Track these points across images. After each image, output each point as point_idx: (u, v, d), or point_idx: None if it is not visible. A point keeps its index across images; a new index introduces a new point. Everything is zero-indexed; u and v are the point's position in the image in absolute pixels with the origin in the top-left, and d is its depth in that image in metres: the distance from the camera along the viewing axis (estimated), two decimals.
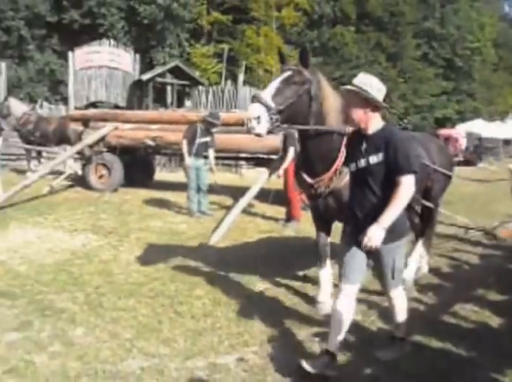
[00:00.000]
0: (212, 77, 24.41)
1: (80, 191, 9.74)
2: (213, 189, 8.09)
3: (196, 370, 3.01)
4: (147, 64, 21.69)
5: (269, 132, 3.27)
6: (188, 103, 18.61)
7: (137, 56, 18.65)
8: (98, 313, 3.79)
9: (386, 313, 3.46)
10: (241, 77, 18.85)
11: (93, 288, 4.29)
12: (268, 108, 3.14)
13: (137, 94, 18.24)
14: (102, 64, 18.03)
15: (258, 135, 3.22)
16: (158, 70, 18.79)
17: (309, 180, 3.65)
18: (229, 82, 19.56)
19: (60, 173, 10.24)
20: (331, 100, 3.51)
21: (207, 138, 7.75)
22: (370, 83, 2.86)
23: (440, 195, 4.91)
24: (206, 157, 7.81)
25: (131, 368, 3.02)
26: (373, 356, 3.16)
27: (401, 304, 3.13)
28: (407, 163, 2.80)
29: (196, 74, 19.84)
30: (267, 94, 3.22)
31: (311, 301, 4.10)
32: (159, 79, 18.24)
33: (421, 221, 4.86)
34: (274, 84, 3.29)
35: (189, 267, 4.98)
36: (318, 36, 30.14)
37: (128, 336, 3.43)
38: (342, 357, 3.12)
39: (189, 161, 7.64)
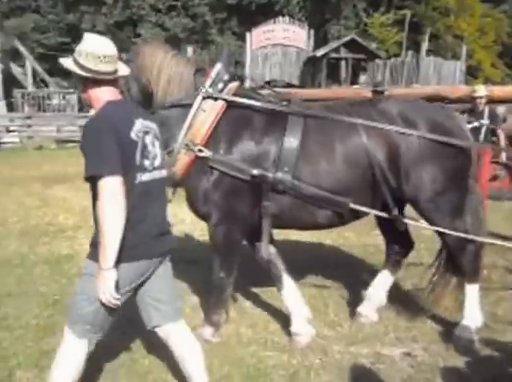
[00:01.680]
0: (391, 48, 23.01)
1: None
2: None
3: (360, 357, 3.03)
4: (321, 40, 21.65)
5: None
6: (363, 78, 18.04)
7: (312, 31, 18.65)
8: (269, 288, 4.02)
9: None
10: (424, 46, 17.52)
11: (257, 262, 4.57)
12: None
13: (311, 71, 18.35)
14: (277, 43, 18.50)
15: None
16: (333, 45, 18.58)
17: None
18: (410, 53, 18.35)
19: None
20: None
21: None
22: (80, 49, 2.16)
23: (451, 204, 3.01)
24: None
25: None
26: None
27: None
28: (86, 164, 2.00)
29: (373, 46, 19.12)
30: None
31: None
32: (333, 55, 18.05)
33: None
34: None
35: (361, 253, 4.97)
36: None
37: None
38: None
39: None
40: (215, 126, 2.87)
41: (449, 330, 3.33)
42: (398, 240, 3.46)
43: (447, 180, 2.92)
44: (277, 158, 2.85)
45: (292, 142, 2.85)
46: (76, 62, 2.13)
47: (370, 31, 23.59)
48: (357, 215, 3.07)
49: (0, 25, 18.66)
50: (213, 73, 2.96)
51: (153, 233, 2.16)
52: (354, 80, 17.94)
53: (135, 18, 24.01)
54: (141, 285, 2.26)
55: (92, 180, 2.00)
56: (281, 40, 18.46)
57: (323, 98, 10.00)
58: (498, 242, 3.43)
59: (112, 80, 2.19)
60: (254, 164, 2.84)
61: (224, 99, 2.90)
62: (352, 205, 2.90)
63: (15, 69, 21.30)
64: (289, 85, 17.45)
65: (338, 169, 2.90)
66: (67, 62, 2.17)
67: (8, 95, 18.93)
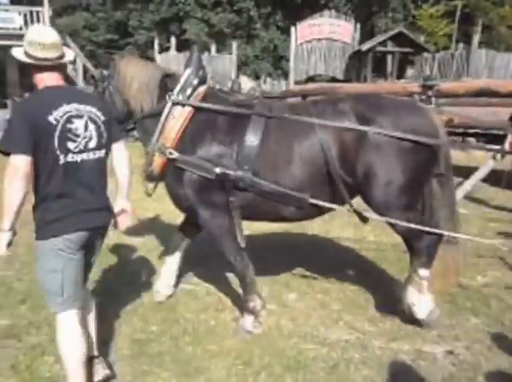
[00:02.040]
0: (440, 41, 22.22)
1: None
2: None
3: (401, 353, 3.02)
4: (367, 33, 21.28)
5: None
6: (410, 72, 17.62)
7: (358, 25, 18.37)
8: (310, 282, 4.07)
9: None
10: (476, 38, 16.86)
11: (306, 258, 4.60)
12: None
13: (356, 65, 18.12)
14: (322, 37, 18.33)
15: None
16: (379, 38, 18.24)
17: None
18: (460, 45, 17.76)
19: None
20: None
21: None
22: (26, 38, 2.33)
23: (401, 194, 3.00)
24: None
25: (337, 338, 3.21)
26: None
27: None
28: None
29: (421, 39, 18.63)
30: None
31: None
32: (379, 48, 17.73)
33: None
34: None
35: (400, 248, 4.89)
36: None
37: (336, 308, 3.62)
38: None
39: None
40: (184, 130, 3.09)
41: (492, 329, 3.27)
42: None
43: (403, 175, 2.95)
44: (238, 157, 3.03)
45: (252, 141, 3.02)
46: (24, 51, 2.33)
47: (418, 23, 22.93)
48: (322, 210, 3.19)
49: (53, 24, 19.34)
50: (182, 79, 3.18)
51: (80, 208, 2.34)
52: (400, 75, 17.55)
53: (181, 15, 24.34)
54: (86, 253, 2.48)
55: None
56: (326, 35, 18.27)
57: (369, 93, 9.84)
58: (469, 237, 3.45)
59: (54, 66, 2.37)
60: (217, 163, 3.02)
61: (192, 105, 3.12)
62: (312, 200, 3.02)
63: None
64: (334, 80, 17.28)
65: (296, 167, 3.03)
66: (16, 51, 2.36)
67: None
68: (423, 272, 3.17)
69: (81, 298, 2.49)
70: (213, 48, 18.88)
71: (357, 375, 2.82)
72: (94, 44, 28.20)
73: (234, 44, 18.84)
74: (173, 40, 18.56)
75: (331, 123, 2.96)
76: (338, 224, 5.69)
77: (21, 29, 17.56)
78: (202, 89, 3.20)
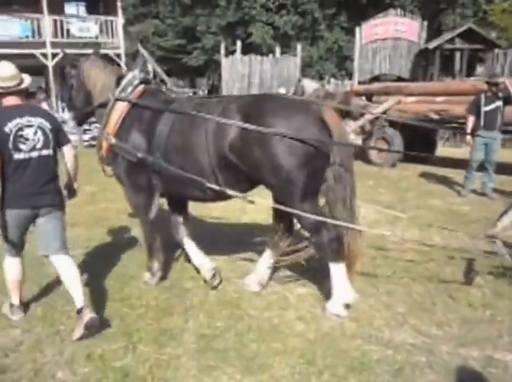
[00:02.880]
0: None
1: (359, 165, 10.17)
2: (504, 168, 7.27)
3: (470, 359, 2.92)
4: (434, 31, 20.56)
5: None
6: (479, 69, 16.85)
7: (425, 22, 17.84)
8: (374, 283, 4.02)
9: None
10: None
11: (369, 259, 4.53)
12: None
13: (422, 64, 17.58)
14: (387, 36, 17.98)
15: None
16: (447, 36, 17.58)
17: None
18: None
19: None
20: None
21: (496, 104, 6.83)
22: None
23: (290, 186, 3.26)
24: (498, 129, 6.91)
25: (402, 340, 3.15)
26: None
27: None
28: None
29: (493, 35, 17.75)
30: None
31: None
32: (447, 46, 17.09)
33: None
34: None
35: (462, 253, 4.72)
36: None
37: (401, 310, 3.56)
38: None
39: (468, 138, 7.11)
40: (122, 121, 3.81)
41: None
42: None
43: (289, 169, 3.20)
44: (153, 145, 3.67)
45: (162, 132, 3.64)
46: None
47: (489, 19, 21.86)
48: (225, 195, 3.55)
49: (125, 31, 20.29)
50: (124, 80, 3.94)
51: (27, 192, 3.24)
52: (470, 72, 16.79)
53: (247, 19, 24.66)
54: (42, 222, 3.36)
55: None
56: (391, 34, 17.89)
57: (435, 92, 9.55)
58: (364, 228, 3.71)
59: (14, 91, 3.30)
60: (139, 149, 3.69)
61: (128, 101, 3.84)
62: (208, 185, 3.46)
63: None
64: (399, 79, 16.88)
65: (192, 156, 3.52)
66: None
67: None
68: (332, 266, 3.41)
69: (20, 246, 3.45)
70: (277, 50, 18.99)
71: (423, 379, 2.76)
72: (163, 50, 29.20)
73: (299, 46, 18.84)
74: (239, 43, 18.85)
75: (219, 119, 3.38)
76: (402, 226, 5.57)
77: (96, 37, 18.56)
78: (140, 88, 3.93)
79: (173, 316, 3.50)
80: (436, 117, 9.02)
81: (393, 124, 9.85)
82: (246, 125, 3.26)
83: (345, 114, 11.73)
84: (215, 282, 4.01)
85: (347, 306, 3.49)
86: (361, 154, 10.43)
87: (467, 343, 3.10)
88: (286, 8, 24.49)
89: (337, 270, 3.41)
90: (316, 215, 3.29)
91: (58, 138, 3.42)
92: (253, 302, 3.73)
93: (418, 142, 10.01)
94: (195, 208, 6.36)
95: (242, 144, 3.31)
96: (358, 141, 11.34)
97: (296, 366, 2.90)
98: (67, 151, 3.54)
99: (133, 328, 3.34)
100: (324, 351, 3.04)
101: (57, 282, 4.06)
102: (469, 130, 7.10)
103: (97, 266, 4.46)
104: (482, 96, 6.99)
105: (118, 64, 17.85)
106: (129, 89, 3.89)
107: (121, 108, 3.84)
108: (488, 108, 6.88)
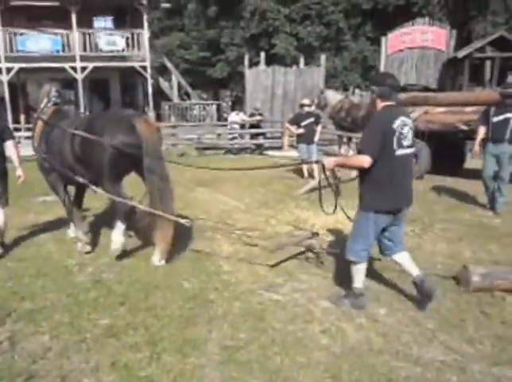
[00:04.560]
0: None
1: None
2: None
3: (504, 379, 2.81)
4: (463, 39, 20.29)
5: None
6: (511, 78, 16.52)
7: (454, 31, 17.62)
8: (401, 298, 3.91)
9: None
10: None
11: (396, 273, 4.42)
12: None
13: (451, 73, 17.35)
14: (414, 45, 17.83)
15: None
16: (477, 44, 17.31)
17: None
18: None
19: None
20: None
21: (506, 115, 6.46)
22: None
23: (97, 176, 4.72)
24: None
25: (431, 358, 3.05)
26: None
27: None
28: None
29: None
30: None
31: None
32: (477, 55, 16.81)
33: None
34: None
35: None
36: None
37: (430, 326, 3.45)
38: None
39: (476, 149, 6.88)
40: (39, 134, 5.38)
41: None
42: None
43: (100, 165, 4.56)
44: (46, 148, 5.20)
45: (47, 139, 5.18)
46: None
47: None
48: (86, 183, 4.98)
49: (151, 44, 20.64)
50: (42, 104, 5.56)
51: None
52: (501, 82, 16.43)
53: (270, 30, 24.82)
54: None
55: None
56: (418, 43, 17.72)
57: (465, 102, 9.30)
58: (161, 213, 4.53)
59: None
60: (44, 152, 5.23)
61: (41, 119, 5.43)
62: (78, 179, 4.91)
63: (163, 83, 23.38)
64: (427, 89, 16.64)
65: (62, 157, 4.96)
66: None
67: (157, 107, 20.86)
68: (117, 223, 4.78)
69: None
70: (301, 61, 19.01)
71: None
72: (187, 62, 29.63)
73: (323, 57, 18.82)
74: (262, 54, 18.96)
75: (72, 131, 4.77)
76: (430, 238, 5.44)
77: (123, 50, 18.93)
78: (50, 109, 5.46)
79: (197, 326, 3.47)
80: (465, 128, 8.79)
81: (419, 135, 9.69)
82: (81, 133, 4.64)
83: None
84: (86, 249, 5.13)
85: None
86: None
87: (500, 362, 2.98)
88: (310, 18, 24.57)
89: (119, 224, 4.77)
90: (116, 194, 4.64)
91: (2, 135, 4.99)
92: (277, 314, 3.68)
93: (446, 153, 9.81)
94: (220, 219, 6.39)
95: (82, 147, 4.70)
96: None
97: (320, 381, 2.84)
98: (10, 147, 5.02)
99: (157, 337, 3.32)
100: (350, 366, 2.97)
101: (84, 290, 4.11)
102: (478, 141, 6.83)
103: (122, 275, 4.49)
104: (492, 107, 6.68)
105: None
106: (45, 110, 5.50)
107: (39, 124, 5.45)
108: (496, 119, 6.55)
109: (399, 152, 3.42)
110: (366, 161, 3.39)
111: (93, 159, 4.60)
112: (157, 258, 4.71)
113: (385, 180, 3.45)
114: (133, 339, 3.32)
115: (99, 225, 6.20)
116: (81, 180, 4.88)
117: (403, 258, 3.79)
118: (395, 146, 3.39)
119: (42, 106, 5.51)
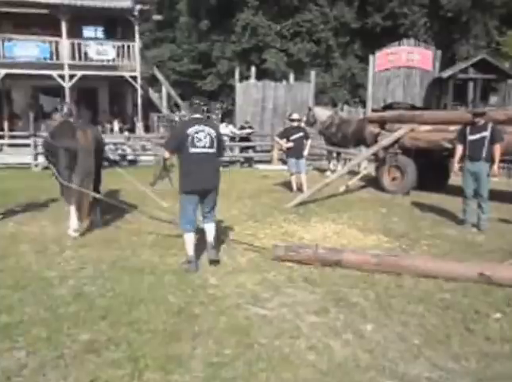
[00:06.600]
0: None
1: (372, 192, 10.15)
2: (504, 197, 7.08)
3: None
4: (448, 60, 20.74)
5: None
6: (493, 99, 16.94)
7: (439, 52, 18.05)
8: (388, 313, 3.91)
9: None
10: None
11: (383, 288, 4.44)
12: None
13: (436, 93, 17.71)
14: (401, 65, 18.18)
15: None
16: (460, 65, 17.76)
17: None
18: None
19: (354, 173, 10.84)
20: None
21: (482, 134, 6.59)
22: None
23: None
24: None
25: (417, 374, 3.03)
26: None
27: None
28: None
29: (506, 66, 17.87)
30: None
31: None
32: (460, 76, 17.25)
33: None
34: None
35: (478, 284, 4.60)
36: None
37: (416, 342, 3.44)
38: None
39: (455, 168, 7.08)
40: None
41: None
42: None
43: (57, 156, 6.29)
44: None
45: (54, 141, 6.30)
46: None
47: (503, 50, 22.07)
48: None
49: (142, 55, 20.66)
50: (57, 115, 7.45)
51: None
52: (483, 102, 16.85)
53: (261, 45, 25.03)
54: None
55: None
56: (405, 62, 18.07)
57: (450, 121, 9.44)
58: (94, 194, 6.20)
59: None
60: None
61: None
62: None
63: (152, 94, 23.36)
64: (413, 107, 16.92)
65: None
66: None
67: (145, 118, 20.81)
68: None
69: None
70: (291, 76, 19.19)
71: None
72: (178, 74, 29.70)
73: (313, 73, 19.04)
74: (253, 69, 19.10)
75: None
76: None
77: (113, 60, 18.91)
78: (59, 119, 6.68)
79: (181, 342, 3.41)
80: (449, 146, 8.93)
81: (406, 152, 9.81)
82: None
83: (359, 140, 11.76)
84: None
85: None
86: (374, 182, 10.37)
87: (485, 378, 2.98)
88: (301, 35, 24.87)
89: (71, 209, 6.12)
90: (64, 178, 6.18)
91: None
92: (263, 329, 3.64)
93: (431, 170, 9.96)
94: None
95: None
96: (371, 168, 11.32)
97: None
98: None
99: (139, 353, 3.23)
100: None
101: (64, 303, 4.02)
102: (457, 159, 6.97)
103: (105, 288, 4.41)
104: (468, 127, 6.80)
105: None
106: (57, 119, 6.98)
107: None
108: (473, 138, 6.68)
109: (193, 150, 4.78)
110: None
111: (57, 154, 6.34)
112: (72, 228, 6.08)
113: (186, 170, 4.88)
114: (115, 355, 3.22)
115: (86, 237, 6.13)
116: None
117: (209, 227, 5.09)
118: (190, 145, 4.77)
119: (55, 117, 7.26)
